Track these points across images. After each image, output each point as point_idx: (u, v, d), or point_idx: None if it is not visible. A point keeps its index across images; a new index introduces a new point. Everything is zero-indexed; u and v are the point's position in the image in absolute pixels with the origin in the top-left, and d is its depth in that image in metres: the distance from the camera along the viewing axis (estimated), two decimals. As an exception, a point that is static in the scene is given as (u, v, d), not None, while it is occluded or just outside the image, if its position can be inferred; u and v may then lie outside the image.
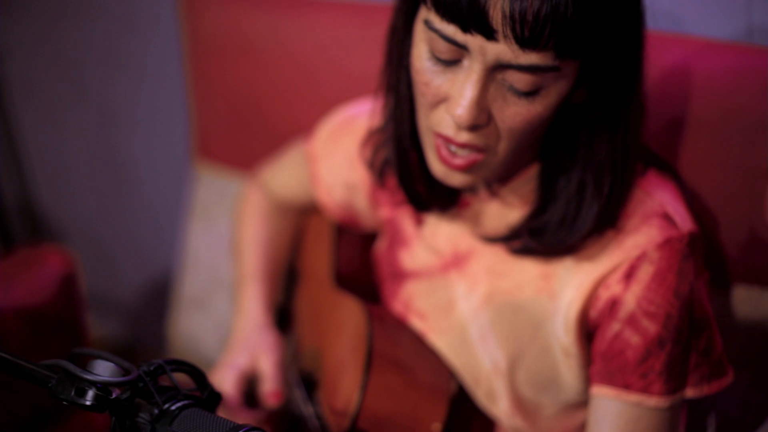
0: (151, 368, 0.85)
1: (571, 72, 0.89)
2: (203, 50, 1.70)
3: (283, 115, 1.60)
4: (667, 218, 0.98)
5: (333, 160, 1.24)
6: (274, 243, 1.37)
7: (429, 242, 1.14)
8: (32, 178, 2.63)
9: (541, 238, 1.00)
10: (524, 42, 0.84)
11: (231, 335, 1.30)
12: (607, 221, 0.98)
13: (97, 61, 2.20)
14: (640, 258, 0.97)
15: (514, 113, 0.90)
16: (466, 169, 0.95)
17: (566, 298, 1.01)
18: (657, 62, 1.02)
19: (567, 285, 1.01)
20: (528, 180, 1.04)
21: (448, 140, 0.94)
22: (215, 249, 1.73)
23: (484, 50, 0.86)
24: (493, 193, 1.06)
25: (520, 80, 0.87)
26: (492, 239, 1.05)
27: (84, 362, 0.85)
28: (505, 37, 0.84)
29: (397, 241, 1.19)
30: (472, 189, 1.07)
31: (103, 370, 0.82)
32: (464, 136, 0.92)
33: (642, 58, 0.95)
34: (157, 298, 2.22)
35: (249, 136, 1.68)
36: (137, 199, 2.33)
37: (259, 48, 1.60)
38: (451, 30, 0.87)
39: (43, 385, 0.82)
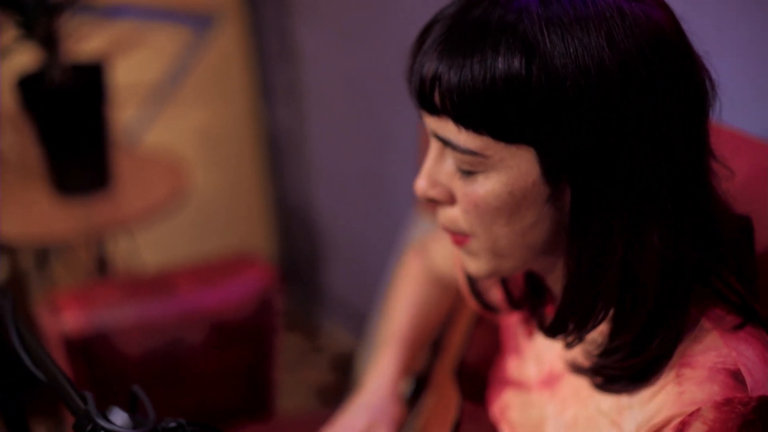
0: (170, 425, 0.85)
1: (519, 162, 0.83)
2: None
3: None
4: (735, 376, 0.83)
5: None
6: (424, 311, 1.34)
7: (534, 356, 1.07)
8: (315, 182, 2.75)
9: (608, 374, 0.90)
10: (424, 107, 0.85)
11: (359, 391, 1.29)
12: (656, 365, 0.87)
13: (383, 86, 2.23)
14: (693, 415, 0.83)
15: (463, 194, 0.88)
16: (462, 248, 0.93)
17: None
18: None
19: (632, 424, 0.89)
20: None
21: None
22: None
23: (426, 119, 0.87)
24: None
25: (458, 157, 0.86)
26: (573, 368, 0.94)
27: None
28: (418, 101, 0.86)
29: (508, 347, 1.12)
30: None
31: (119, 419, 0.85)
32: (439, 217, 0.92)
33: (660, 163, 0.81)
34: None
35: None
36: (392, 219, 2.35)
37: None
38: None
39: (72, 411, 0.86)
